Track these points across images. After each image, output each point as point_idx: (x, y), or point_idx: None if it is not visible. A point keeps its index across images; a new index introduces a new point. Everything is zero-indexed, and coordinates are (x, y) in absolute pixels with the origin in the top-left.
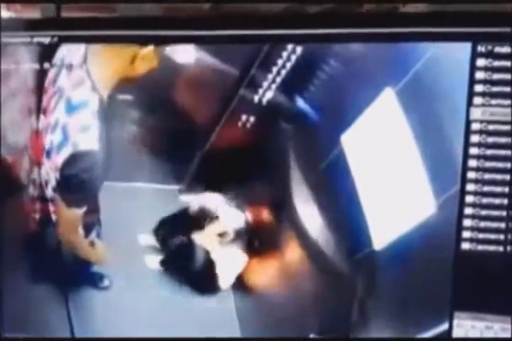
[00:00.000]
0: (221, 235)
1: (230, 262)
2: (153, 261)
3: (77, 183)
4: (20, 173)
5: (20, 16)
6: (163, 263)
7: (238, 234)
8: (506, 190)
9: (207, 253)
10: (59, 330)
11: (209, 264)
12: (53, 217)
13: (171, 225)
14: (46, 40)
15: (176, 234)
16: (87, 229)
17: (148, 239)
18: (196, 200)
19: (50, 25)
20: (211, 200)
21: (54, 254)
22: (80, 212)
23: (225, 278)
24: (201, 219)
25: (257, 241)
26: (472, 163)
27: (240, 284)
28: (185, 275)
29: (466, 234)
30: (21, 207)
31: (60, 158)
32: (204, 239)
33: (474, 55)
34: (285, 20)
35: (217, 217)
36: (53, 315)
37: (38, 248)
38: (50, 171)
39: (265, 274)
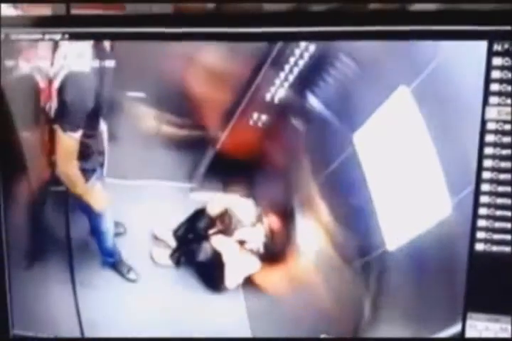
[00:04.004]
0: (241, 242)
1: (241, 265)
2: (165, 256)
3: (71, 105)
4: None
5: (29, 14)
6: (174, 259)
7: (256, 240)
8: None
9: (219, 255)
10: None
11: (219, 265)
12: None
13: (188, 224)
14: (57, 37)
15: (192, 233)
16: (87, 172)
17: (160, 235)
18: (216, 202)
19: (60, 23)
20: (232, 204)
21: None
22: (76, 136)
23: (233, 279)
24: (222, 222)
25: (271, 243)
26: (487, 163)
27: (252, 284)
28: (195, 273)
29: (480, 235)
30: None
31: (57, 81)
32: (221, 242)
33: (490, 54)
34: (298, 18)
35: (238, 223)
36: (61, 305)
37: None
38: (52, 98)
39: (277, 275)
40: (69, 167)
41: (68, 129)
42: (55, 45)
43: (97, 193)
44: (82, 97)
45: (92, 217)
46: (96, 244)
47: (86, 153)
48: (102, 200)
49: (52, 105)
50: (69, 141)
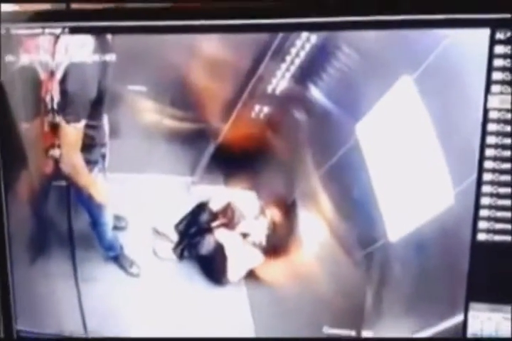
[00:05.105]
0: (243, 235)
1: (243, 258)
2: (167, 250)
3: (73, 95)
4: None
5: (29, 8)
6: (177, 252)
7: (259, 233)
8: None
9: (221, 247)
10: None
11: (221, 258)
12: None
13: (190, 218)
14: (57, 31)
15: (195, 226)
16: (90, 163)
17: (162, 229)
18: (218, 196)
19: (60, 17)
20: (234, 197)
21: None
22: (79, 126)
23: (236, 272)
24: (224, 216)
25: (274, 235)
26: (489, 152)
27: (254, 277)
28: (197, 266)
29: (482, 225)
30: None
31: (59, 73)
32: (224, 235)
33: (493, 42)
34: (299, 9)
35: (241, 216)
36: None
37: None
38: (54, 91)
39: (280, 268)
40: (74, 157)
41: (71, 120)
42: (56, 38)
43: (100, 185)
44: (84, 87)
45: (92, 209)
46: (96, 238)
47: (89, 144)
48: (103, 192)
49: (55, 97)
50: (73, 131)
